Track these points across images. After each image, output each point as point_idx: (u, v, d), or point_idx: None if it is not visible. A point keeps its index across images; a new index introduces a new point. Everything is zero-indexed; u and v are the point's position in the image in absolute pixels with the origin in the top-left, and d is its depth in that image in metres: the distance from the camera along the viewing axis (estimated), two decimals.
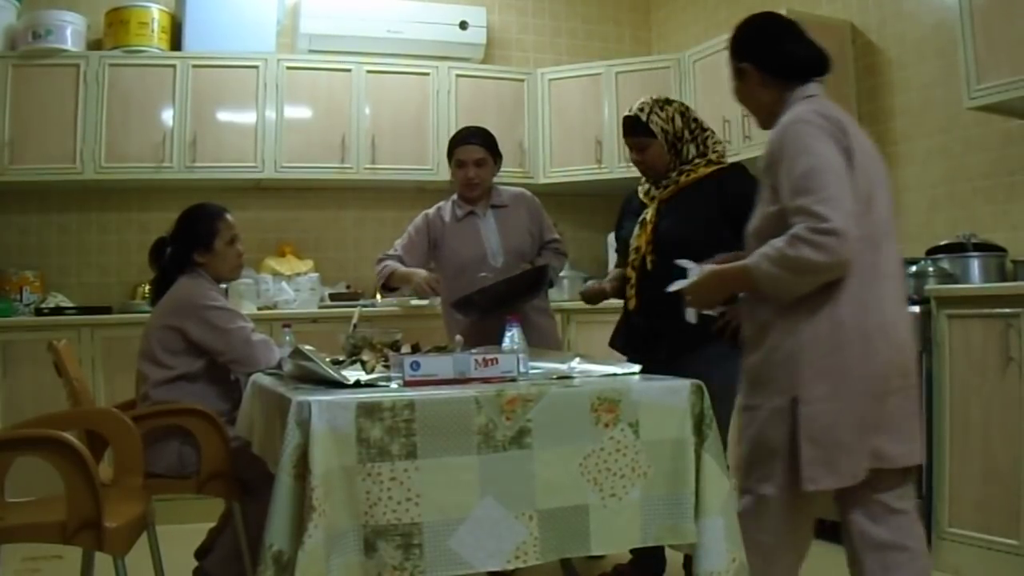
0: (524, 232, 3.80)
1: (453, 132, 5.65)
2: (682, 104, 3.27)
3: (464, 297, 3.40)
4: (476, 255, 3.71)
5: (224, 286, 3.64)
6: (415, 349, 2.72)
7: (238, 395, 3.24)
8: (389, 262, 3.79)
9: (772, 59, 2.39)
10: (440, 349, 2.73)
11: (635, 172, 3.35)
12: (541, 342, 3.43)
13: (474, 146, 3.74)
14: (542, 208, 3.94)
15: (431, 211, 3.90)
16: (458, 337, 2.86)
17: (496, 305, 3.30)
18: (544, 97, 5.89)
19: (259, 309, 5.15)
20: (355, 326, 3.13)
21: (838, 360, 2.17)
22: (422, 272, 3.67)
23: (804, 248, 2.09)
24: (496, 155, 3.81)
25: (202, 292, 3.24)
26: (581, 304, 3.88)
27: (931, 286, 3.74)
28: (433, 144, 5.67)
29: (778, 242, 2.15)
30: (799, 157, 2.17)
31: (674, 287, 2.44)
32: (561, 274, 4.28)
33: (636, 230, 3.22)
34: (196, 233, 3.33)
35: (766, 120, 2.44)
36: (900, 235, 4.67)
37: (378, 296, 5.66)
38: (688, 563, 2.67)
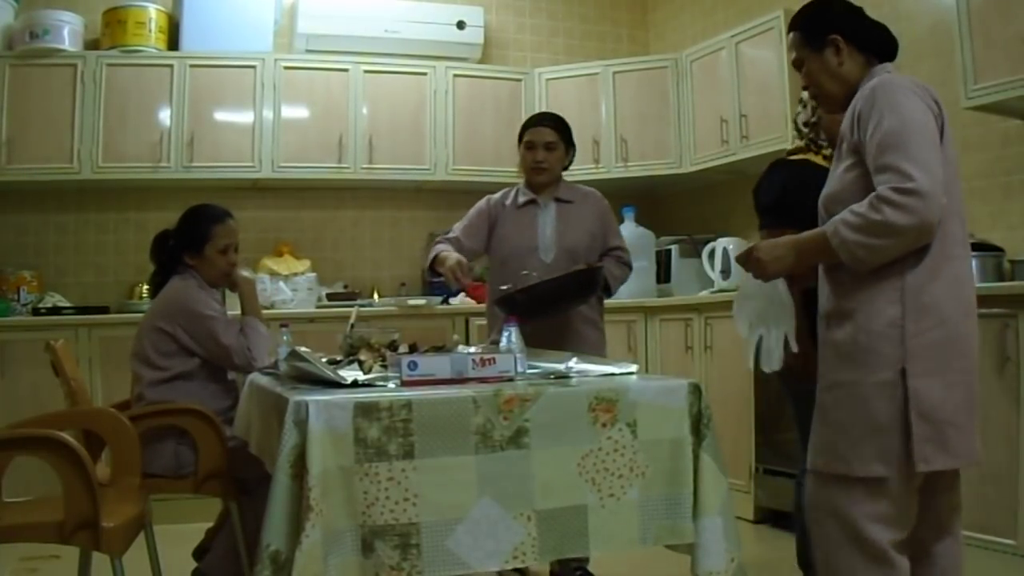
0: (584, 232, 3.52)
1: (451, 132, 5.74)
2: None
3: (506, 295, 3.16)
4: (526, 246, 3.48)
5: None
6: (412, 349, 2.72)
7: (235, 394, 3.24)
8: (441, 245, 3.53)
9: (863, 31, 2.29)
10: (438, 349, 2.73)
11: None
12: (583, 352, 3.07)
13: (546, 128, 3.54)
14: (611, 212, 3.69)
15: (496, 195, 3.67)
16: (455, 336, 2.85)
17: (540, 306, 3.09)
18: (541, 97, 5.89)
19: None
20: (352, 326, 3.13)
21: (941, 334, 2.06)
22: (454, 256, 3.38)
23: (887, 209, 1.97)
24: (569, 143, 3.59)
25: (188, 295, 3.24)
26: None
27: None
28: (430, 144, 5.68)
29: (859, 206, 2.03)
30: (889, 114, 2.06)
31: (741, 252, 2.30)
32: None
33: None
34: (190, 235, 3.32)
35: (844, 97, 2.28)
36: None
37: (375, 296, 5.67)
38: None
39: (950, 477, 2.18)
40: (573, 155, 3.64)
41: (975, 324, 2.15)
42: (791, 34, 2.38)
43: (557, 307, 3.19)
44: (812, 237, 2.17)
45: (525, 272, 3.34)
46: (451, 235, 3.58)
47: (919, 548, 2.19)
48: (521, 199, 3.57)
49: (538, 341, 3.02)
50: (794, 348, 2.42)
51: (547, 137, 3.52)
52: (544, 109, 5.88)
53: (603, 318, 3.61)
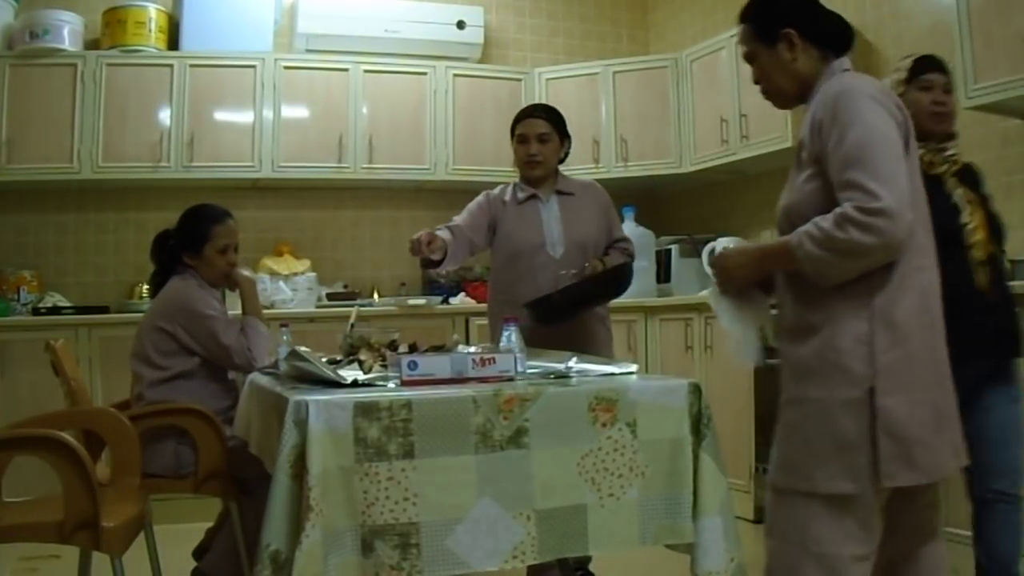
0: (590, 224, 3.43)
1: (450, 132, 5.74)
2: None
3: (542, 297, 3.09)
4: (533, 242, 3.37)
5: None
6: (412, 349, 2.72)
7: (235, 394, 3.24)
8: (439, 228, 3.38)
9: (816, 24, 2.18)
10: (438, 349, 2.73)
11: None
12: (597, 353, 3.06)
13: (538, 120, 3.41)
14: (612, 204, 3.59)
15: (493, 191, 3.56)
16: (455, 336, 2.85)
17: (576, 306, 3.04)
18: (541, 97, 5.88)
19: None
20: (352, 326, 3.13)
21: (909, 350, 2.01)
22: (428, 231, 3.24)
23: (852, 229, 1.91)
24: (563, 134, 3.46)
25: (188, 294, 3.24)
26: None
27: None
28: (430, 143, 5.68)
29: (824, 221, 1.96)
30: (853, 127, 1.98)
31: (711, 254, 2.26)
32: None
33: (967, 209, 2.81)
34: (190, 235, 3.32)
35: (798, 95, 2.22)
36: None
37: (375, 295, 5.67)
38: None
39: (924, 485, 2.13)
40: (569, 146, 3.52)
41: (943, 335, 2.10)
42: (741, 26, 2.27)
43: (593, 305, 3.14)
44: (777, 246, 2.12)
45: (563, 272, 3.26)
46: (452, 224, 3.45)
47: (903, 555, 2.18)
48: (521, 195, 3.46)
49: (553, 340, 2.99)
50: (771, 341, 2.36)
51: (539, 128, 3.40)
52: None
53: (610, 316, 3.58)
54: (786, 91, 2.23)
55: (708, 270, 2.29)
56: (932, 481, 2.07)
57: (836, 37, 2.21)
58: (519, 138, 3.43)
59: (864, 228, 1.91)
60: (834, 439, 2.01)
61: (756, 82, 2.30)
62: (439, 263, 3.32)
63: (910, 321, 2.02)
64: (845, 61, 2.19)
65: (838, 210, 1.95)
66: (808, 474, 2.03)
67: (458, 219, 3.48)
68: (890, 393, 1.98)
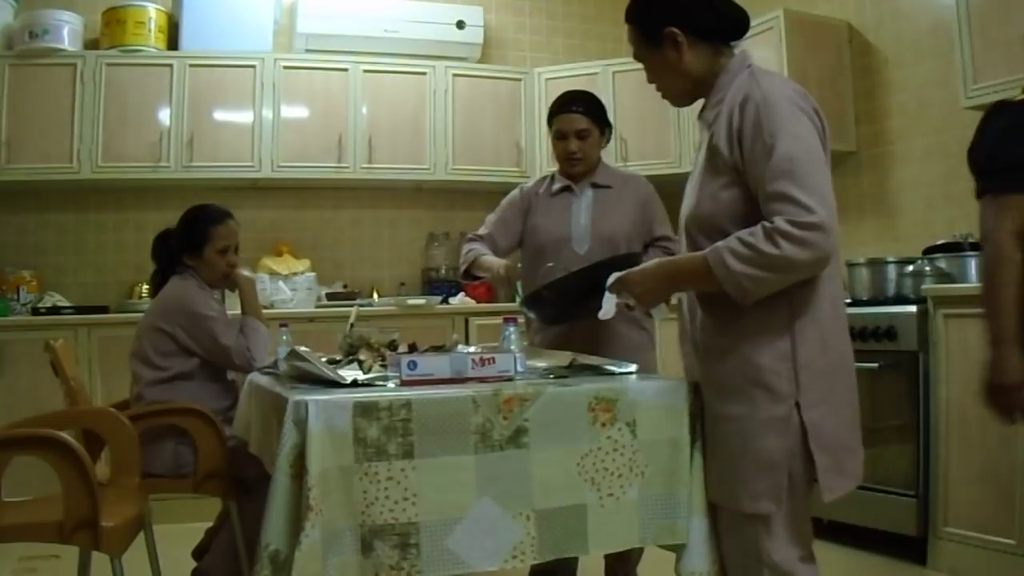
0: (624, 219, 3.15)
1: (450, 132, 5.74)
2: None
3: (533, 294, 2.71)
4: (558, 236, 3.13)
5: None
6: (412, 349, 2.72)
7: (235, 394, 3.24)
8: (475, 246, 3.22)
9: (703, 18, 2.10)
10: (437, 349, 2.73)
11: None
12: (624, 357, 2.73)
13: (576, 115, 3.14)
14: (656, 198, 3.27)
15: (530, 183, 3.36)
16: (454, 336, 2.83)
17: (568, 304, 2.58)
18: (541, 97, 5.89)
19: None
20: (352, 325, 3.12)
21: (827, 361, 2.00)
22: (499, 261, 3.11)
23: (784, 244, 1.84)
24: (604, 125, 3.20)
25: (187, 295, 3.24)
26: None
27: (928, 286, 3.75)
28: (430, 143, 5.68)
29: (750, 237, 1.89)
30: (781, 137, 1.91)
31: (613, 279, 2.17)
32: None
33: None
34: (189, 236, 3.32)
35: (693, 92, 2.17)
36: (898, 234, 4.71)
37: (375, 295, 5.67)
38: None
39: None
40: (610, 134, 3.27)
41: (849, 339, 2.10)
42: (627, 26, 2.21)
43: (588, 305, 2.80)
44: (688, 263, 2.04)
45: (550, 265, 3.04)
46: (483, 232, 3.27)
47: None
48: (555, 187, 3.23)
49: (572, 343, 2.85)
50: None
51: (578, 125, 3.14)
52: (543, 109, 5.85)
53: (652, 315, 3.03)
54: (679, 91, 2.20)
55: (613, 299, 2.20)
56: (856, 485, 2.06)
57: (727, 29, 2.14)
58: (557, 133, 3.19)
59: (799, 242, 1.84)
60: (756, 458, 1.99)
61: (649, 82, 2.27)
62: (481, 278, 3.22)
63: (826, 331, 2.01)
64: (746, 55, 2.13)
65: (767, 224, 1.87)
66: (733, 492, 2.03)
67: (489, 222, 3.32)
68: (815, 406, 1.97)
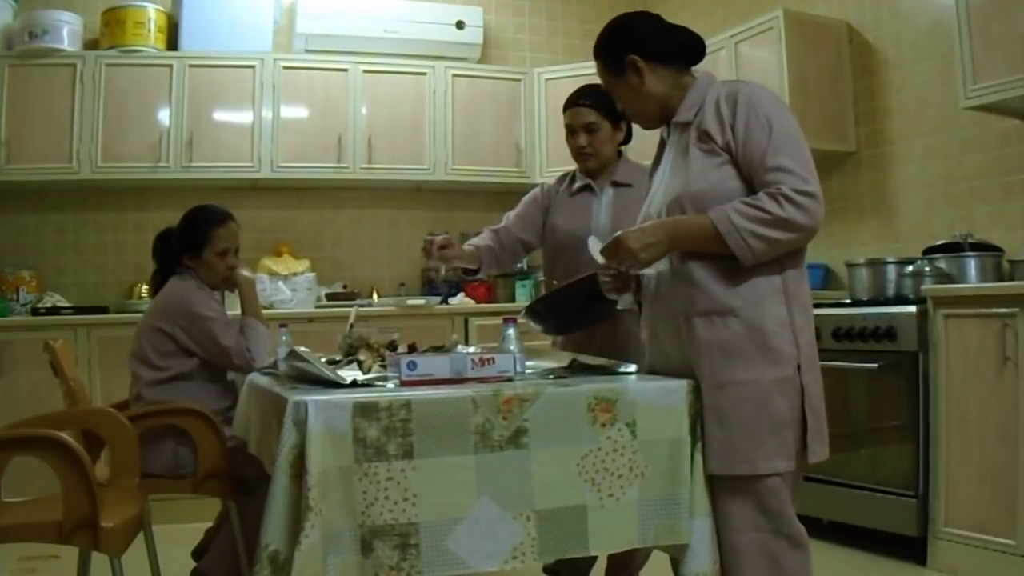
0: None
1: (450, 132, 5.74)
2: None
3: (529, 306, 2.74)
4: (577, 237, 2.94)
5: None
6: (412, 349, 2.72)
7: (235, 394, 3.24)
8: (480, 236, 3.19)
9: (659, 44, 2.29)
10: (437, 349, 2.73)
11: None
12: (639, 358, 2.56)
13: (584, 108, 3.07)
14: None
15: (551, 181, 3.27)
16: (454, 336, 2.83)
17: (572, 314, 2.59)
18: (540, 97, 5.89)
19: None
20: (352, 326, 3.12)
21: (811, 329, 2.18)
22: (445, 233, 3.08)
23: (789, 207, 2.02)
24: (615, 119, 3.07)
25: (187, 295, 3.23)
26: None
27: (928, 286, 3.75)
28: (429, 144, 5.68)
29: (755, 200, 2.05)
30: (776, 117, 2.11)
31: (609, 242, 2.19)
32: None
33: None
34: (189, 237, 3.31)
35: (661, 115, 2.32)
36: (898, 235, 4.70)
37: (374, 296, 5.67)
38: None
39: None
40: (628, 129, 3.13)
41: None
42: (595, 62, 2.39)
43: (589, 318, 2.73)
44: (690, 222, 2.12)
45: (554, 281, 3.02)
46: (499, 226, 3.22)
47: None
48: (575, 185, 3.14)
49: (591, 346, 2.85)
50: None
51: (585, 118, 3.07)
52: (543, 109, 5.90)
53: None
54: (646, 113, 2.36)
55: (599, 259, 2.27)
56: (826, 456, 2.19)
57: (685, 51, 2.33)
58: (567, 128, 3.12)
59: (800, 207, 2.03)
60: (770, 419, 2.10)
61: (620, 110, 2.47)
62: (476, 271, 3.18)
63: (807, 301, 2.19)
64: (712, 75, 2.32)
65: (771, 189, 2.05)
66: (748, 455, 2.09)
67: (510, 215, 3.24)
68: (808, 370, 2.14)
